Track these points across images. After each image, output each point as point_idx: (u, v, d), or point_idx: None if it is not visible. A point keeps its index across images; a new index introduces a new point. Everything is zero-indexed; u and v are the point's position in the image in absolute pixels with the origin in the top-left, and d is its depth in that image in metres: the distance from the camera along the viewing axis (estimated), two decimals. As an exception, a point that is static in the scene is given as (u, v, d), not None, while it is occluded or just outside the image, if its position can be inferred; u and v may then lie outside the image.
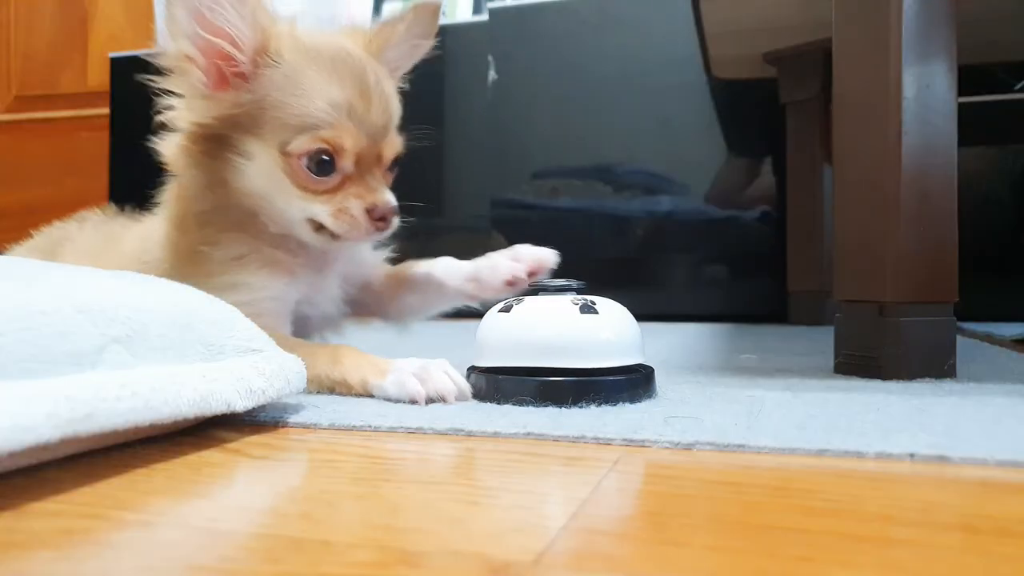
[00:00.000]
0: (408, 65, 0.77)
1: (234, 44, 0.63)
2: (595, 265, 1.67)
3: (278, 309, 0.68)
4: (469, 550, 0.27)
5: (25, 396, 0.32)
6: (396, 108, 0.70)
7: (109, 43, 2.27)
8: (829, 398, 0.56)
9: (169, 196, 0.73)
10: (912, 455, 0.39)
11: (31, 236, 0.97)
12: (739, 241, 1.63)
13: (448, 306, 0.77)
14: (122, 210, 0.95)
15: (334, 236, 0.67)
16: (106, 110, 2.04)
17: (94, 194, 2.03)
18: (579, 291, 0.59)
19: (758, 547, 0.28)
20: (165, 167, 0.70)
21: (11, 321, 0.36)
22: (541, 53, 1.74)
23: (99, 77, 2.24)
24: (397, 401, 0.56)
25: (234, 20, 0.62)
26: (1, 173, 2.35)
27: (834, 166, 0.72)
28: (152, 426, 0.41)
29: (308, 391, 0.60)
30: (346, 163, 0.65)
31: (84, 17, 2.33)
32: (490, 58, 1.77)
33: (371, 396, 0.59)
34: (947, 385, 0.62)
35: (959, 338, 0.71)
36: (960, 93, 0.67)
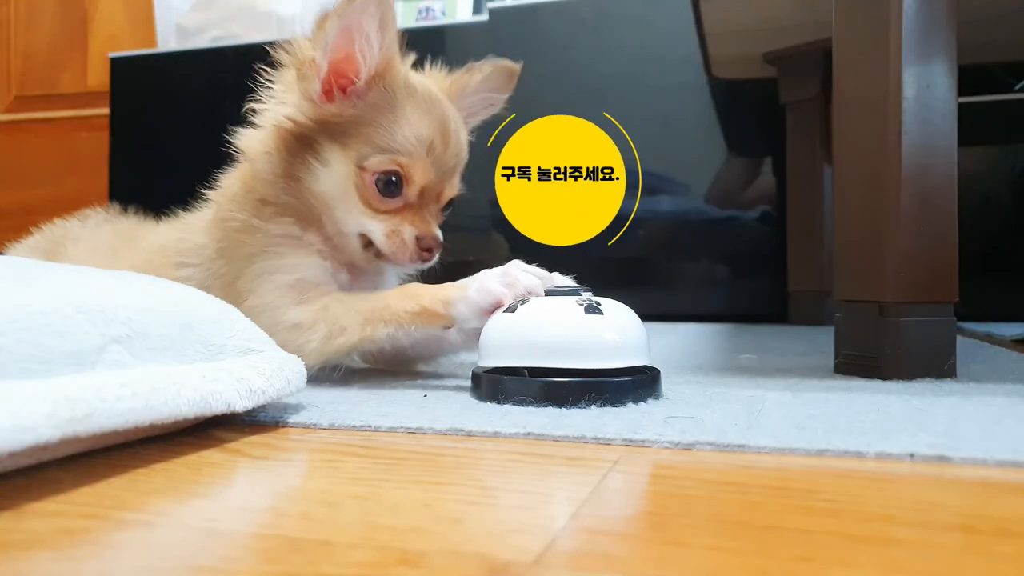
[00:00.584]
0: (477, 118, 0.81)
1: (360, 69, 0.67)
2: (595, 265, 1.67)
3: (327, 281, 0.70)
4: (469, 550, 0.27)
5: (25, 396, 0.32)
6: (465, 155, 0.75)
7: (109, 43, 2.27)
8: (829, 398, 0.56)
9: (231, 179, 0.75)
10: (912, 455, 0.39)
11: (31, 234, 0.97)
12: (739, 241, 1.63)
13: (457, 348, 0.76)
14: (125, 209, 0.95)
15: (379, 255, 0.71)
16: (106, 110, 2.04)
17: (94, 194, 2.02)
18: (583, 292, 0.59)
19: (758, 547, 0.28)
20: (237, 153, 0.73)
21: (11, 321, 0.36)
22: (541, 53, 1.74)
23: (99, 77, 2.24)
24: (478, 311, 0.60)
25: (373, 49, 0.66)
26: (1, 173, 2.35)
27: (834, 166, 0.72)
28: (152, 426, 0.41)
29: (395, 329, 0.63)
30: (411, 192, 0.69)
31: (84, 17, 2.33)
32: (490, 58, 1.76)
33: (448, 323, 0.63)
34: (947, 385, 0.62)
35: (959, 338, 0.71)
36: (960, 93, 0.67)
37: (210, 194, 0.77)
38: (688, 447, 0.42)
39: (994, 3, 1.14)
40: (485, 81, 0.79)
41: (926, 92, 0.65)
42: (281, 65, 0.70)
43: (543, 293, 0.59)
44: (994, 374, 0.68)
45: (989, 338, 1.05)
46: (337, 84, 0.68)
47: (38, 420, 0.32)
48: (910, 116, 0.65)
